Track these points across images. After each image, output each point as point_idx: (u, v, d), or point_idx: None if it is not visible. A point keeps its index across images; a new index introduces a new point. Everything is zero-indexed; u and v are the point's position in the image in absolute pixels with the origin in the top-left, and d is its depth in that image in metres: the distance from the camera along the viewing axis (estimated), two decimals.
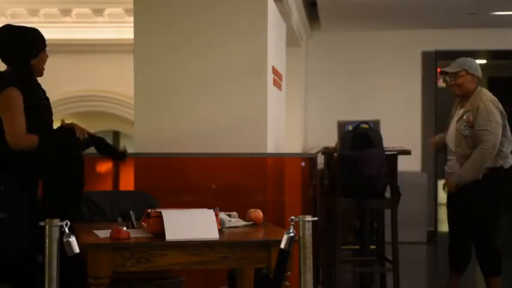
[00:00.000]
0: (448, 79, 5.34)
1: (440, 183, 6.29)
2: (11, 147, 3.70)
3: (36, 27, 3.97)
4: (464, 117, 5.19)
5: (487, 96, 5.24)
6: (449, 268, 5.42)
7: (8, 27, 3.93)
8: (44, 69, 3.95)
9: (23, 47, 3.85)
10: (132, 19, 5.62)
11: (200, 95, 5.46)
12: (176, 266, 3.39)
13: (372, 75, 9.72)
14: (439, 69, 10.05)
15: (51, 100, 4.02)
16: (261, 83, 5.46)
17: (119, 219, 3.94)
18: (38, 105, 3.82)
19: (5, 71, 3.87)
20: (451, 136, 5.31)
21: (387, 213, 5.86)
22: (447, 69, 5.33)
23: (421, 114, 9.76)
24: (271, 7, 5.72)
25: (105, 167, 5.39)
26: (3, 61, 3.91)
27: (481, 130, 5.11)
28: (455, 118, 5.30)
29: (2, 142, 3.74)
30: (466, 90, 5.25)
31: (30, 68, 3.86)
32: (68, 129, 3.86)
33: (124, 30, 9.61)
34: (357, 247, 6.37)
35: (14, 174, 3.70)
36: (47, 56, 3.96)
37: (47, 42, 3.96)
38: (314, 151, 6.82)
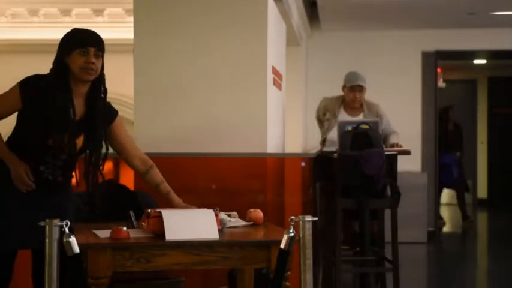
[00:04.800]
0: (356, 92, 6.24)
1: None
2: None
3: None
4: None
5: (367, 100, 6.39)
6: None
7: None
8: (81, 72, 3.59)
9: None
10: (132, 19, 5.63)
11: (200, 95, 5.46)
12: (176, 266, 3.38)
13: (371, 75, 9.69)
14: (439, 69, 10.09)
15: None
16: (261, 83, 5.46)
17: None
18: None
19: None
20: None
21: (387, 213, 5.86)
22: (362, 84, 6.24)
23: (421, 114, 9.75)
24: (271, 7, 5.72)
25: (105, 167, 5.37)
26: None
27: (391, 128, 6.34)
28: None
29: None
30: (361, 101, 6.32)
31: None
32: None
33: (124, 30, 9.59)
34: (357, 248, 6.36)
35: None
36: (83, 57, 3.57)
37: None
38: (314, 151, 6.82)
